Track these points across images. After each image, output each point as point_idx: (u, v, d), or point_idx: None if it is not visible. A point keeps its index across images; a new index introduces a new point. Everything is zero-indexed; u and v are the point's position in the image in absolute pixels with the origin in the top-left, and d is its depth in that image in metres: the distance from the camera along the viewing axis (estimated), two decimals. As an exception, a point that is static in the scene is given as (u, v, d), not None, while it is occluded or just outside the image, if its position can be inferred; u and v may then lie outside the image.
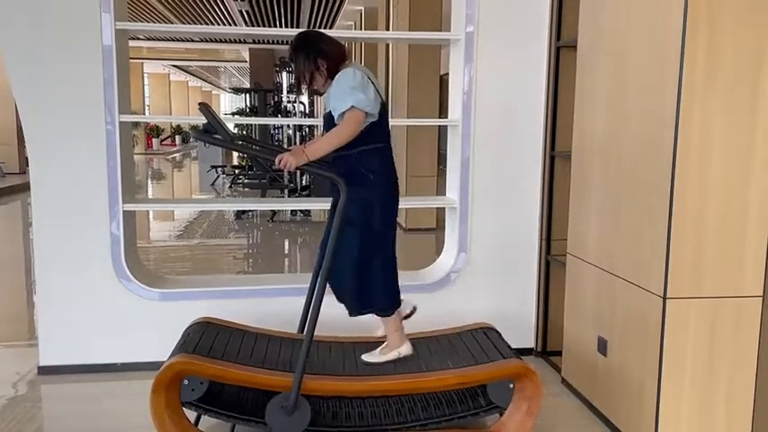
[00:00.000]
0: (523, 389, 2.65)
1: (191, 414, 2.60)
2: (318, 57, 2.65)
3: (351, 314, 2.81)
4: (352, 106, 2.54)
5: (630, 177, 2.71)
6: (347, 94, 2.55)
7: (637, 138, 2.67)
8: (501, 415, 2.69)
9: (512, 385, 2.65)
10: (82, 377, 3.38)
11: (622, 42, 2.79)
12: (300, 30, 2.87)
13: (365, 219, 2.68)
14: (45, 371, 3.41)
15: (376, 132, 2.67)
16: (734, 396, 2.53)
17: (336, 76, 2.64)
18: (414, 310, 2.92)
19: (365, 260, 2.72)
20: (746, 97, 2.39)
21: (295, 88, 3.00)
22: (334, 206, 2.77)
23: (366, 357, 2.81)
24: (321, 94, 2.86)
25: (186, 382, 2.51)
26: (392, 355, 2.80)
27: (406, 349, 2.81)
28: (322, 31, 2.82)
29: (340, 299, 2.83)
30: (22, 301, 5.19)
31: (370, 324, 2.96)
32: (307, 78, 2.69)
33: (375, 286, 2.76)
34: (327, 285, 2.67)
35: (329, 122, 2.67)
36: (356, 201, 2.62)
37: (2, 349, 4.00)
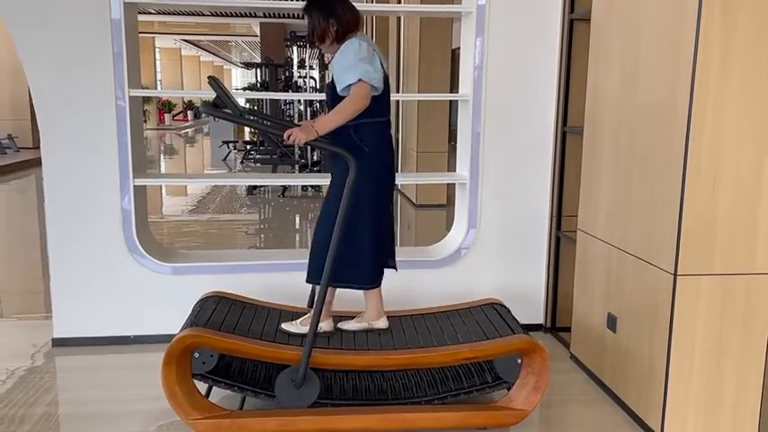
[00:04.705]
0: (531, 364, 2.66)
1: (202, 386, 2.64)
2: (331, 17, 2.62)
3: (313, 282, 2.77)
4: (360, 79, 2.50)
5: (643, 153, 2.68)
6: (353, 66, 2.52)
7: (650, 112, 2.63)
8: (508, 390, 2.70)
9: (519, 360, 2.66)
10: (95, 349, 3.44)
11: (637, 14, 2.73)
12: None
13: (356, 192, 2.57)
14: (59, 343, 3.47)
15: (378, 105, 2.63)
16: (743, 373, 2.52)
17: (342, 46, 2.61)
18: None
19: (349, 234, 2.61)
20: (764, 69, 2.34)
21: (307, 42, 2.99)
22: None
23: (342, 325, 2.86)
24: (327, 64, 2.81)
25: (197, 354, 2.55)
26: (362, 326, 2.85)
27: (381, 323, 2.86)
28: None
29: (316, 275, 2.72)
30: (37, 275, 5.24)
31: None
32: (317, 36, 2.66)
33: (353, 261, 2.69)
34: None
35: (332, 92, 2.64)
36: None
37: (18, 322, 4.07)
